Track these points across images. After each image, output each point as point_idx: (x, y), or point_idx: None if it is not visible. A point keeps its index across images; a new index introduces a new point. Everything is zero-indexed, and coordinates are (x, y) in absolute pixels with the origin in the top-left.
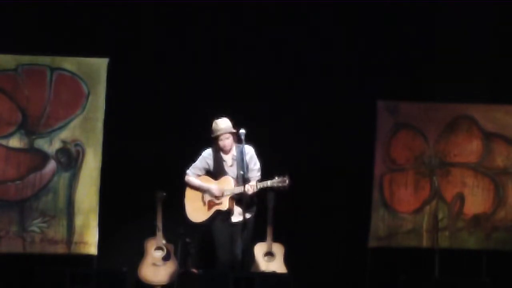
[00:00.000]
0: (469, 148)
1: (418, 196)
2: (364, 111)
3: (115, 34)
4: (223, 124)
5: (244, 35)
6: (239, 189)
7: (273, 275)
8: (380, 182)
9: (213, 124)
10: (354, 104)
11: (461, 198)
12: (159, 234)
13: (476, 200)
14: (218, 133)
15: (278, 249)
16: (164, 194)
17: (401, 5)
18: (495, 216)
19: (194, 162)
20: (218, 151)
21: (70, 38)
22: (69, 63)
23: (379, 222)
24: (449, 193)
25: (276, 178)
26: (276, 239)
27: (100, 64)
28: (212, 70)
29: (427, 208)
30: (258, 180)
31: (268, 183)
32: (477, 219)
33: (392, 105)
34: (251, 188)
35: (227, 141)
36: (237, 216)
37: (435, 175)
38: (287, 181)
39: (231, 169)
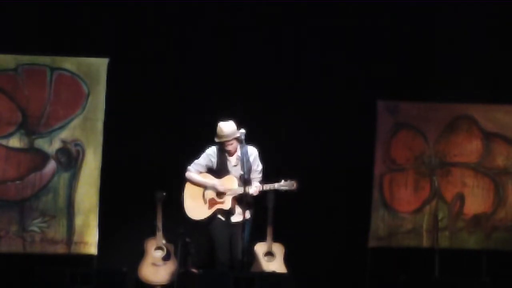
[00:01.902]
0: (469, 148)
1: (418, 196)
2: (364, 111)
3: (115, 34)
4: (227, 129)
5: (244, 35)
6: (243, 189)
7: (273, 275)
8: (380, 182)
9: (218, 128)
10: (354, 104)
11: (461, 198)
12: (159, 234)
13: (476, 200)
14: (222, 140)
15: (278, 249)
16: (164, 194)
17: (401, 5)
18: (495, 216)
19: (197, 159)
20: (222, 150)
21: (70, 38)
22: (69, 63)
23: (379, 222)
24: (449, 193)
25: (283, 181)
26: (276, 239)
27: (100, 64)
28: (212, 70)
29: (427, 208)
30: (264, 182)
31: (275, 185)
32: (477, 219)
33: (392, 105)
34: (256, 189)
35: (231, 147)
36: (237, 215)
37: (435, 175)
38: (295, 185)
39: (235, 168)
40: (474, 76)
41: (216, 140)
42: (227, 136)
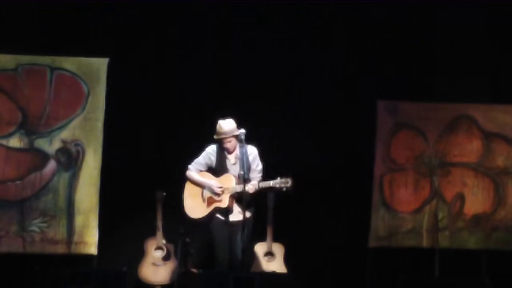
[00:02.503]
0: (469, 148)
1: (418, 196)
2: (364, 111)
3: (115, 34)
4: (226, 126)
5: (244, 34)
6: (240, 188)
7: (273, 275)
8: (380, 182)
9: (217, 126)
10: (354, 104)
11: (461, 198)
12: (159, 234)
13: (476, 200)
14: (221, 136)
15: (278, 249)
16: (164, 194)
17: (401, 5)
18: (495, 216)
19: (197, 157)
20: (222, 148)
21: (70, 38)
22: (69, 63)
23: (379, 222)
24: (449, 193)
25: (279, 178)
26: (276, 239)
27: (100, 64)
28: (212, 69)
29: (427, 208)
30: (259, 180)
31: (271, 183)
32: (477, 219)
33: (392, 105)
34: (252, 187)
35: (229, 144)
36: (236, 215)
37: (435, 175)
38: (289, 183)
39: (234, 167)
40: (474, 76)
41: (215, 137)
42: (225, 133)
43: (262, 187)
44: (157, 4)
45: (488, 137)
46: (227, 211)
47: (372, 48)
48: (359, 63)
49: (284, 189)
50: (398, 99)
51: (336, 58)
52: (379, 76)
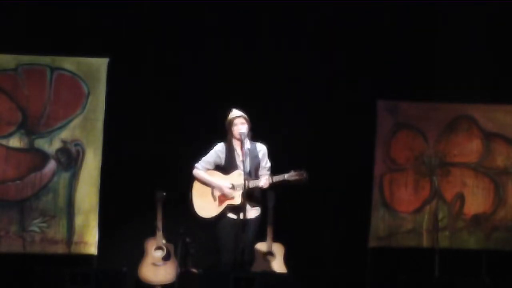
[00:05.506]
0: (469, 148)
1: (418, 196)
2: (364, 111)
3: (115, 34)
4: (238, 111)
5: (244, 34)
6: (253, 183)
7: (273, 275)
8: (380, 182)
9: (228, 113)
10: (354, 104)
11: (461, 198)
12: (159, 234)
13: (476, 200)
14: (233, 116)
15: (278, 249)
16: (164, 194)
17: (401, 4)
18: (495, 216)
19: (204, 156)
20: (231, 144)
21: (70, 38)
22: (69, 63)
23: (379, 222)
24: (449, 193)
25: (293, 171)
26: (276, 239)
27: (100, 64)
28: (212, 69)
29: (427, 208)
30: (273, 174)
31: (285, 176)
32: (477, 219)
33: (392, 105)
34: (266, 181)
35: (242, 126)
36: (249, 211)
37: (435, 175)
38: (305, 175)
39: (244, 163)
40: (474, 76)
41: (227, 121)
42: (238, 113)
43: (275, 181)
44: (157, 4)
45: (488, 137)
46: (239, 208)
47: (372, 48)
48: (359, 63)
49: (300, 182)
50: (398, 99)
51: (336, 58)
52: (379, 76)
